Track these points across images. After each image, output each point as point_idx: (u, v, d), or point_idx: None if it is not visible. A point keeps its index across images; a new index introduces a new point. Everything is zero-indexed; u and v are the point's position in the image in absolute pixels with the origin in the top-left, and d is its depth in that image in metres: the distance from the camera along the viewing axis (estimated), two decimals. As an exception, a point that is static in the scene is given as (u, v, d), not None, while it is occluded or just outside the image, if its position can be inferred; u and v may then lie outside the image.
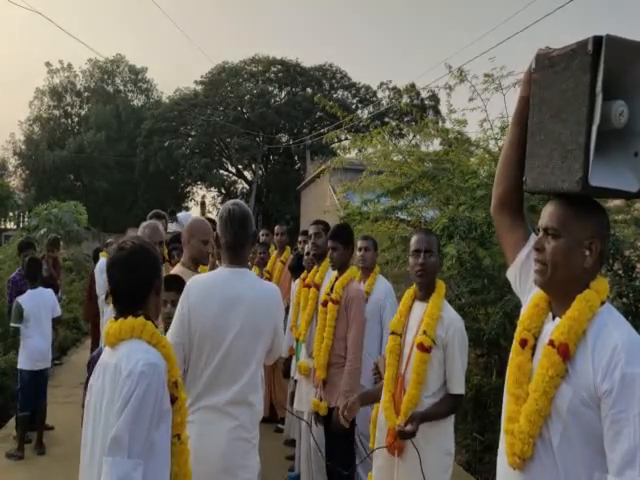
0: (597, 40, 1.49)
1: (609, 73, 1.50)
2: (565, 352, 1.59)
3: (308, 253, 4.64)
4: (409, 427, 2.59)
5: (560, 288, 1.69)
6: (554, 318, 1.71)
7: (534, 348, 1.73)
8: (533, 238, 1.81)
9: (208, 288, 2.58)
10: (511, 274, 1.93)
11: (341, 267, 3.81)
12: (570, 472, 1.59)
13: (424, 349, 2.71)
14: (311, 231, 4.35)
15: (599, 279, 1.69)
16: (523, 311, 1.83)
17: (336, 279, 3.84)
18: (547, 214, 1.71)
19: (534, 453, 1.64)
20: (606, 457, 1.53)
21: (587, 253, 1.65)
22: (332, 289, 3.81)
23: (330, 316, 3.72)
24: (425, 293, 2.87)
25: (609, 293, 1.74)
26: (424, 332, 2.72)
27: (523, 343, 1.74)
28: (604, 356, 1.54)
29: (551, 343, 1.63)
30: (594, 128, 1.50)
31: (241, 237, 2.64)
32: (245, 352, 2.54)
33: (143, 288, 1.98)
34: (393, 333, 2.90)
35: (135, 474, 1.76)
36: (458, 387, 2.75)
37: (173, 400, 1.94)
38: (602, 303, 1.65)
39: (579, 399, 1.57)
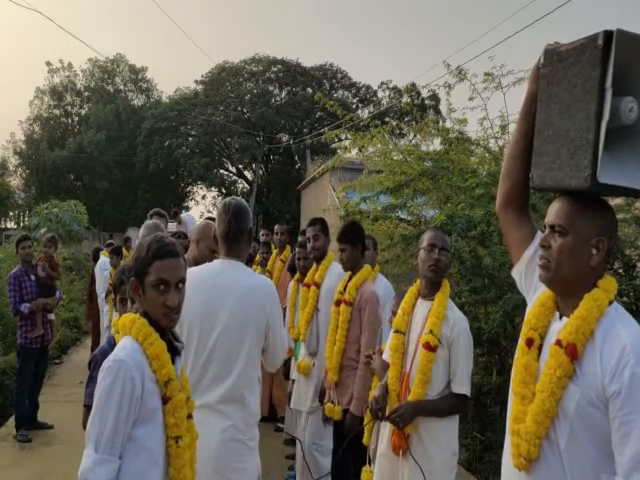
0: (607, 34, 1.47)
1: (619, 69, 1.47)
2: (573, 352, 1.57)
3: (300, 259, 4.57)
4: (395, 413, 2.62)
5: (565, 286, 1.67)
6: (561, 317, 1.69)
7: (540, 348, 1.70)
8: (539, 236, 1.78)
9: (199, 280, 2.53)
10: (516, 272, 1.90)
11: (353, 267, 3.69)
12: (577, 474, 1.57)
13: (430, 348, 2.66)
14: (309, 234, 4.17)
15: (607, 278, 1.67)
16: (529, 310, 1.80)
17: (349, 279, 3.73)
18: (554, 211, 1.68)
19: (540, 454, 1.61)
20: (614, 459, 1.50)
21: (594, 252, 1.63)
22: (345, 289, 3.70)
23: (343, 318, 3.59)
24: (430, 291, 2.81)
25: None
26: (430, 331, 2.67)
27: (529, 342, 1.72)
28: (612, 357, 1.52)
29: (559, 343, 1.60)
30: (603, 124, 1.47)
31: (234, 227, 2.60)
32: (234, 346, 2.49)
33: None
34: (396, 331, 2.84)
35: (99, 470, 1.73)
36: (461, 387, 2.70)
37: (166, 400, 1.87)
38: (610, 302, 1.63)
39: (587, 400, 1.54)
